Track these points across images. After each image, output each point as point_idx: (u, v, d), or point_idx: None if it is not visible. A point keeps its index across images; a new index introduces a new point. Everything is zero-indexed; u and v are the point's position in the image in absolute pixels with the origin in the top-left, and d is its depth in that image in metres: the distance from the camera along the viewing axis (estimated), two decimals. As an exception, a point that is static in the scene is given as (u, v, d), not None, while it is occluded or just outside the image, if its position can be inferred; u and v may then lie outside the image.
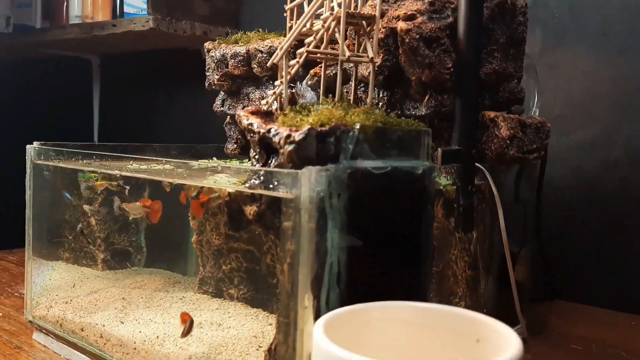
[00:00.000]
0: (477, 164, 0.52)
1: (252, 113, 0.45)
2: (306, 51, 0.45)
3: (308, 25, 0.49)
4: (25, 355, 0.58)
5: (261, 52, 0.63)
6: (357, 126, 0.40)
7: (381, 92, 0.54)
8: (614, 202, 0.81)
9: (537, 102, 0.68)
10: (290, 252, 0.38)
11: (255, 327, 0.54)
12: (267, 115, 0.46)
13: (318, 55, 0.47)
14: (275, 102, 0.47)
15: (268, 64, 0.51)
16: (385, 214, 0.43)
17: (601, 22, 0.82)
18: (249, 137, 0.43)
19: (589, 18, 0.83)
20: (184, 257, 0.67)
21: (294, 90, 0.61)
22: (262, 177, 0.41)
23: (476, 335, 0.33)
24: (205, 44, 0.73)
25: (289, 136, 0.39)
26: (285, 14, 0.60)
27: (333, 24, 0.47)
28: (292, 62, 0.46)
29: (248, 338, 0.51)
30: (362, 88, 0.54)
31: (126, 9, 1.23)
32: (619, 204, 0.81)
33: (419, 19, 0.50)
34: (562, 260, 0.84)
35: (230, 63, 0.67)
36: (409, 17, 0.50)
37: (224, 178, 0.47)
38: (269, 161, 0.43)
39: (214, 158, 0.75)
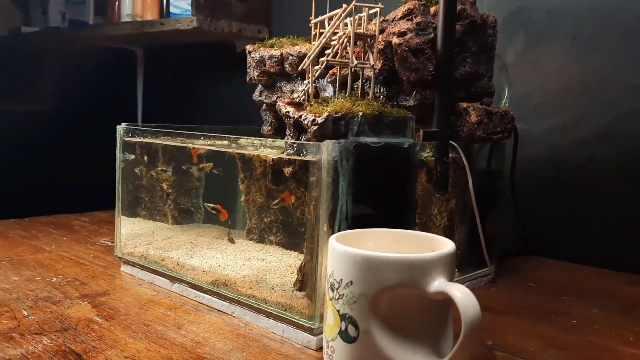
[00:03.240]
0: (452, 142, 0.71)
1: (288, 104, 0.64)
2: (326, 60, 0.64)
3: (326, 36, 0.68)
4: (119, 280, 0.78)
5: (292, 55, 0.81)
6: (360, 113, 0.59)
7: (382, 88, 0.73)
8: (581, 175, 0.99)
9: (507, 94, 0.86)
10: (315, 197, 0.57)
11: (290, 260, 0.73)
12: (298, 105, 0.65)
13: (335, 62, 0.65)
14: (304, 95, 0.66)
15: (299, 68, 0.70)
16: (380, 174, 0.62)
17: (573, 27, 0.99)
18: (285, 121, 0.63)
19: (563, 23, 1.00)
20: (233, 214, 0.86)
21: (317, 85, 0.80)
22: (295, 148, 0.60)
23: (432, 248, 0.52)
24: (246, 46, 0.91)
25: (314, 120, 0.58)
26: (310, 25, 0.79)
27: (345, 40, 0.65)
28: (316, 67, 0.65)
29: (285, 267, 0.71)
30: (368, 84, 0.73)
31: (172, 9, 1.43)
32: (585, 176, 0.99)
33: (408, 35, 0.68)
34: (536, 221, 1.03)
35: (267, 63, 0.85)
36: (401, 34, 0.69)
37: (270, 150, 0.67)
38: (300, 137, 0.62)
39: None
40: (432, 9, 0.72)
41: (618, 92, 0.96)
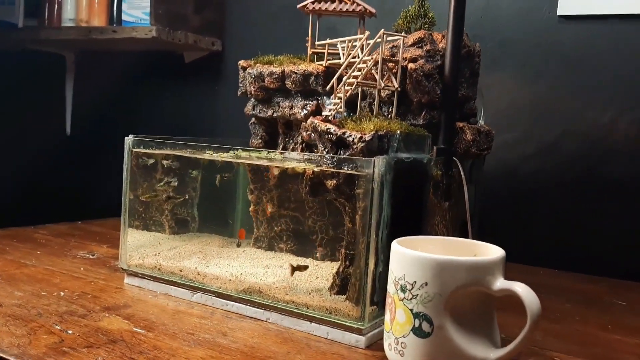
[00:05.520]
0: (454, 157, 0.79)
1: (323, 121, 0.69)
2: (357, 82, 0.70)
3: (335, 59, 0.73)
4: (130, 292, 0.78)
5: (296, 73, 0.85)
6: (399, 132, 0.65)
7: (389, 107, 0.80)
8: (527, 185, 1.13)
9: (483, 115, 0.96)
10: (362, 207, 0.62)
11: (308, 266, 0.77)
12: (329, 122, 0.70)
13: (365, 84, 0.71)
14: (334, 113, 0.71)
15: (327, 88, 0.75)
16: (409, 185, 0.68)
17: (521, 55, 1.13)
18: (325, 137, 0.67)
19: (513, 52, 1.14)
20: (231, 224, 0.89)
21: (320, 102, 0.85)
22: (335, 161, 0.65)
23: (474, 252, 0.60)
24: (239, 62, 0.94)
25: (361, 137, 0.63)
26: (306, 44, 0.85)
27: (372, 65, 0.71)
28: (347, 87, 0.71)
29: (307, 272, 0.74)
30: (377, 103, 0.80)
31: (125, 17, 1.40)
32: (530, 186, 1.13)
33: (420, 62, 0.76)
34: (491, 226, 1.14)
35: (267, 79, 0.89)
36: (413, 60, 0.76)
37: (297, 163, 0.71)
38: (338, 153, 0.67)
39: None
40: (435, 35, 0.80)
41: (559, 114, 1.10)
